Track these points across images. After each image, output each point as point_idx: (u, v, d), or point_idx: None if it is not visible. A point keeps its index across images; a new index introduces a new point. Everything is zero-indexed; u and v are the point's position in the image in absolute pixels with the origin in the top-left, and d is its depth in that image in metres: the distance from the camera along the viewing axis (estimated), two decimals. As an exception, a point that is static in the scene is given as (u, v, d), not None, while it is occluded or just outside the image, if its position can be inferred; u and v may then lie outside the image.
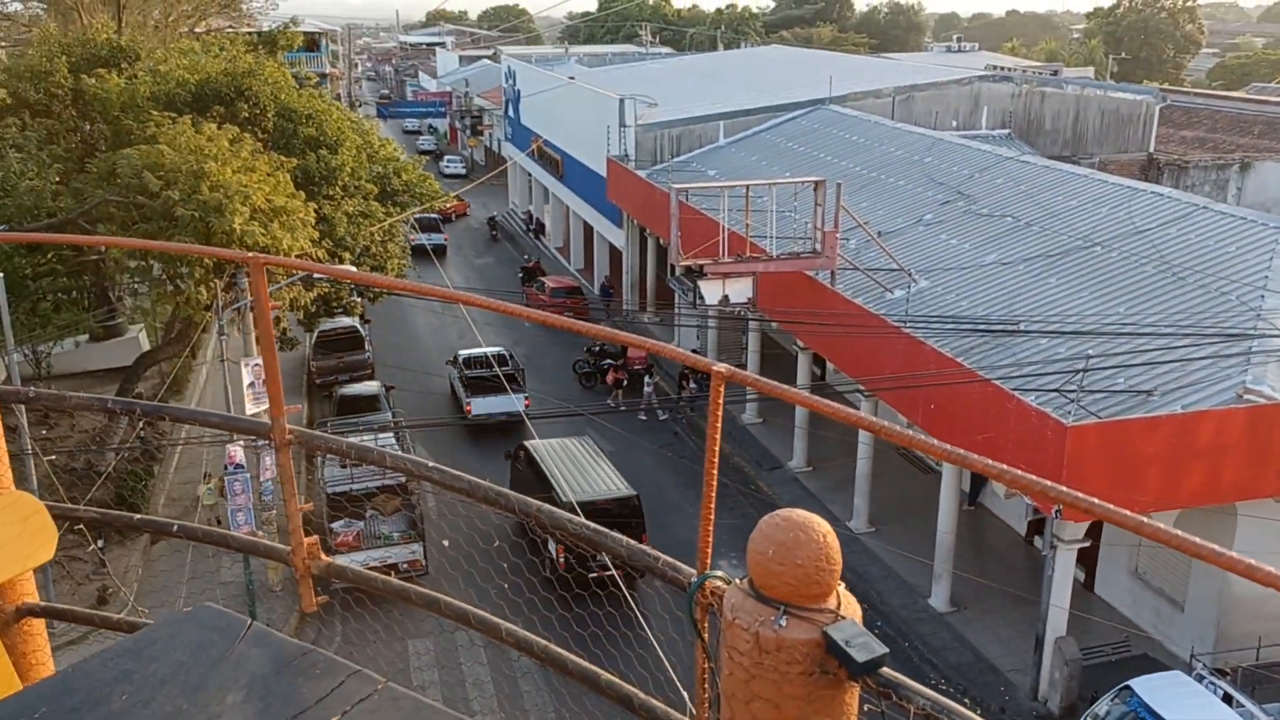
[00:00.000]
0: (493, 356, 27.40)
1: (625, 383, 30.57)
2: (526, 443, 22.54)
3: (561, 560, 18.74)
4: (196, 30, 37.59)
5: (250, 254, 3.01)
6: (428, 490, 22.99)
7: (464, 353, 29.78)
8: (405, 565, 20.23)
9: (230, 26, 39.49)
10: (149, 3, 36.11)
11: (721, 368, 2.09)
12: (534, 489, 20.66)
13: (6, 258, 20.96)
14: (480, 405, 27.77)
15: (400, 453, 3.03)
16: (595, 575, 16.42)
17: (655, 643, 9.98)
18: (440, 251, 44.71)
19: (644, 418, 29.06)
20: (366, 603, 16.39)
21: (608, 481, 20.83)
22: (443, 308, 35.24)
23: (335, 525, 20.44)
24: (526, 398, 27.33)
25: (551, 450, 22.10)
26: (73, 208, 20.61)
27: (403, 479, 21.42)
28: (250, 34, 37.18)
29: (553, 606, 10.13)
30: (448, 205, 53.37)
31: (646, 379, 29.84)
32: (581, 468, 21.39)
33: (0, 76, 23.41)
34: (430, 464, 2.84)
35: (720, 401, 2.07)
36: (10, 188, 19.65)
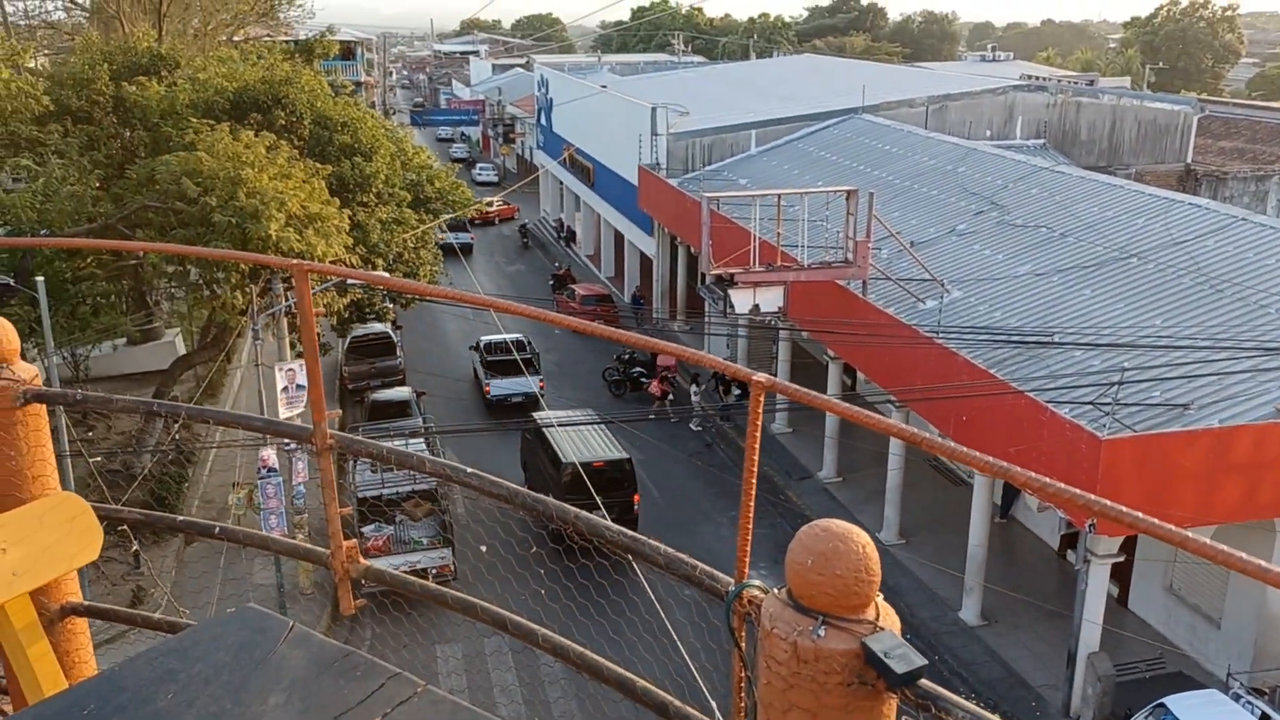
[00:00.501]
0: (511, 342, 29.71)
1: (671, 395, 30.69)
2: (535, 414, 24.88)
3: None
4: (235, 39, 38.12)
5: (295, 261, 3.06)
6: (457, 495, 23.15)
7: (485, 338, 31.93)
8: (434, 570, 20.32)
9: (268, 35, 40.02)
10: (189, 12, 36.63)
11: (762, 378, 2.10)
12: (540, 453, 23.39)
13: (47, 262, 21.31)
14: (498, 386, 30.38)
15: (438, 458, 3.06)
16: None
17: (647, 584, 11.11)
18: (466, 250, 45.70)
19: (696, 427, 29.17)
20: (403, 606, 16.50)
21: (605, 446, 22.87)
22: (473, 314, 35.52)
23: (365, 530, 20.59)
24: (541, 379, 29.71)
25: (556, 419, 24.32)
26: (112, 213, 20.92)
27: (433, 484, 21.56)
28: (287, 42, 37.63)
29: (587, 612, 10.18)
30: (491, 208, 54.68)
31: (693, 388, 29.91)
32: (582, 434, 23.44)
33: (44, 84, 23.81)
34: (468, 470, 2.87)
35: (760, 411, 2.08)
36: (52, 193, 19.96)
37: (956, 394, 17.76)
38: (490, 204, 55.71)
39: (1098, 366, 17.15)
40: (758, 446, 2.11)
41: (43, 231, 19.19)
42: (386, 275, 23.74)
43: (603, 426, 24.19)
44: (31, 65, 25.94)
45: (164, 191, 19.56)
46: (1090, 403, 16.01)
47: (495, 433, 28.96)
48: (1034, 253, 22.16)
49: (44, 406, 3.53)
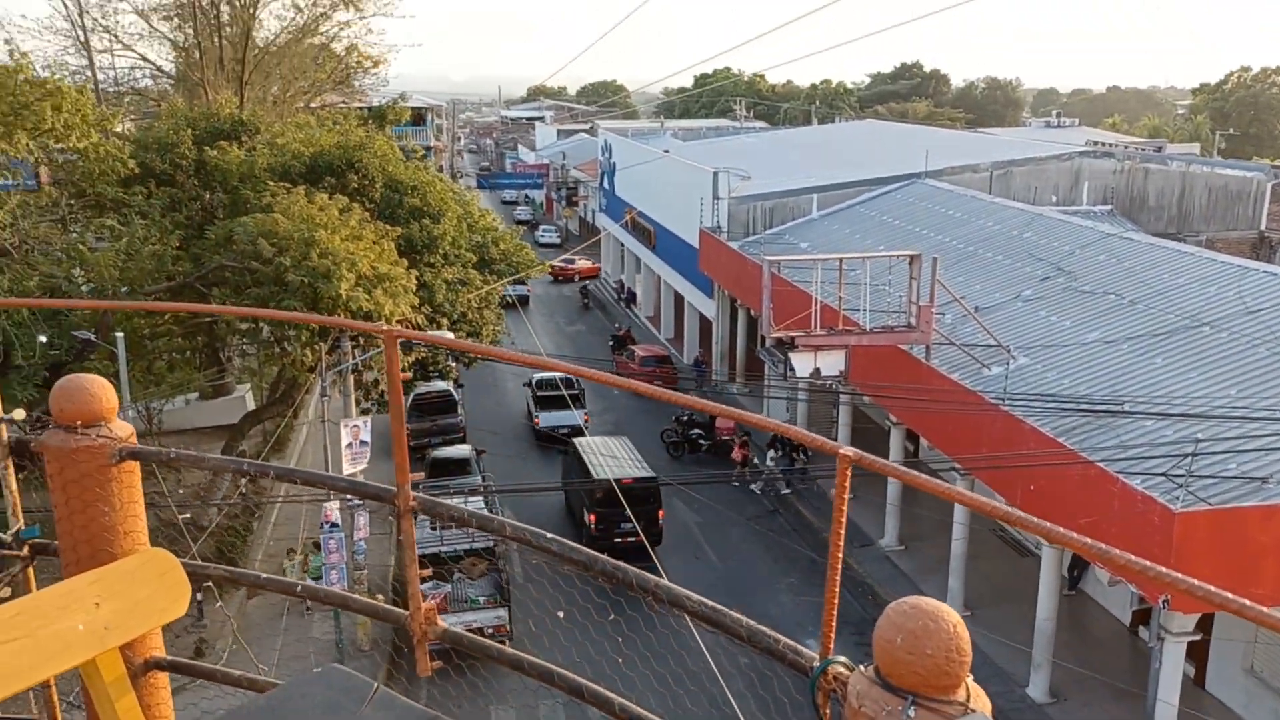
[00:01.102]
0: (560, 379, 32.22)
1: (754, 460, 30.47)
2: (575, 439, 27.47)
3: (594, 528, 24.06)
4: (312, 105, 39.48)
5: (385, 327, 3.15)
6: (514, 554, 23.17)
7: (537, 375, 34.50)
8: (490, 630, 20.27)
9: (343, 102, 41.38)
10: (269, 80, 38.07)
11: (849, 451, 2.11)
12: (578, 473, 25.90)
13: (126, 318, 22.00)
14: (547, 419, 32.89)
15: (514, 521, 3.11)
16: (620, 542, 22.54)
17: (705, 648, 11.98)
18: (524, 302, 47.73)
19: (757, 489, 29.05)
20: (460, 667, 16.46)
21: (634, 467, 25.30)
22: (533, 370, 36.03)
23: (423, 588, 20.64)
24: (586, 413, 32.24)
25: (593, 444, 26.88)
26: (191, 272, 21.61)
27: (491, 542, 21.61)
28: (362, 109, 38.87)
29: (661, 679, 10.08)
30: (573, 264, 56.41)
31: (770, 452, 29.68)
32: (615, 456, 25.79)
33: (130, 147, 24.82)
34: (548, 535, 2.90)
35: (846, 485, 2.09)
36: (134, 252, 20.69)
37: (1024, 463, 17.42)
38: (572, 260, 56.98)
39: (1170, 437, 16.71)
40: (844, 520, 2.11)
41: (124, 290, 19.86)
42: (448, 334, 24.17)
43: (632, 448, 26.70)
44: (119, 129, 27.08)
45: (241, 252, 20.16)
46: (1163, 474, 15.59)
47: (540, 456, 31.79)
48: (1102, 320, 21.80)
49: (138, 463, 3.65)
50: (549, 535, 2.88)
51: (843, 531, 2.13)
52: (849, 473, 2.09)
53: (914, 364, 21.79)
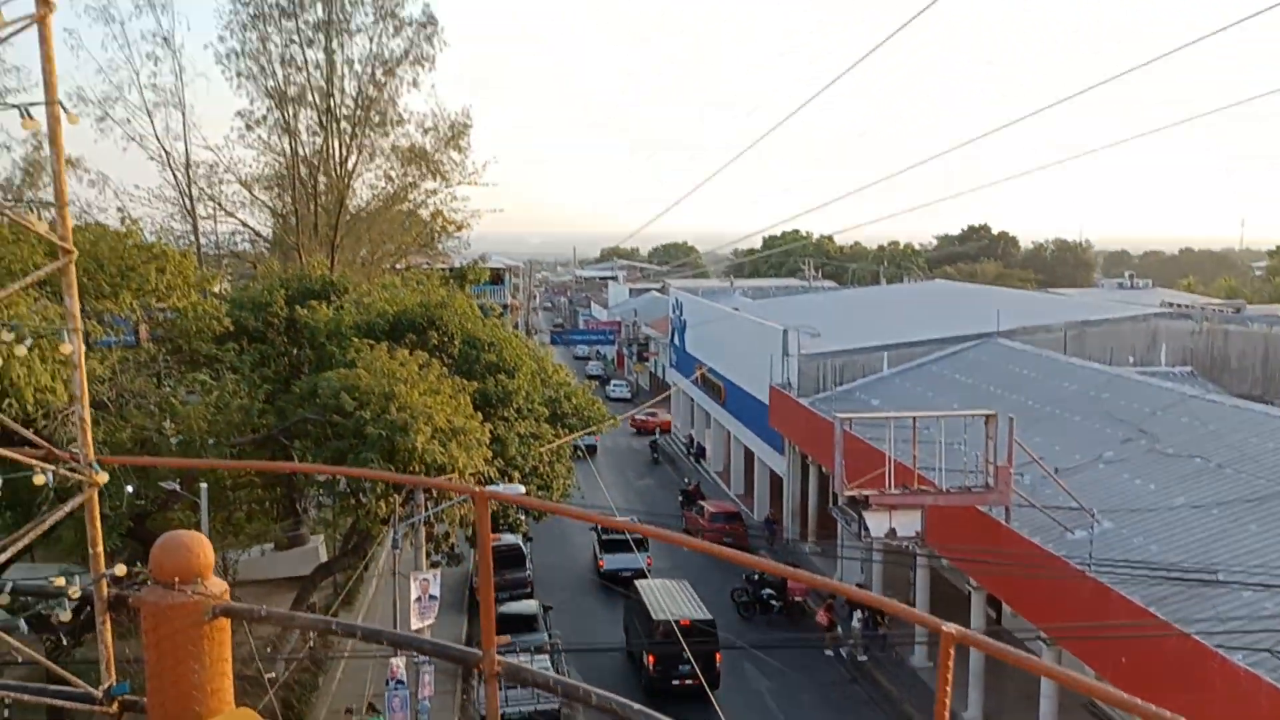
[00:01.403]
0: None
1: (838, 626, 29.53)
2: (636, 581, 28.88)
3: (653, 669, 24.83)
4: (398, 266, 41.19)
5: (476, 488, 3.22)
6: (579, 717, 22.51)
7: None
8: None
9: (427, 262, 43.09)
10: (359, 243, 39.96)
11: (951, 628, 2.08)
12: (638, 614, 27.07)
13: (210, 468, 22.55)
14: (611, 561, 34.36)
15: (599, 690, 3.08)
16: (678, 684, 23.69)
17: None
18: (591, 451, 47.63)
19: (844, 653, 28.16)
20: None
21: (692, 609, 26.19)
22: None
23: (487, 751, 20.09)
24: (648, 557, 33.60)
25: (653, 586, 28.12)
26: (275, 424, 22.20)
27: (556, 705, 21.08)
28: (444, 270, 40.41)
29: None
30: (654, 417, 57.53)
31: (856, 614, 28.77)
32: (674, 598, 26.81)
33: (226, 306, 26.01)
34: (635, 706, 2.86)
35: (950, 664, 2.05)
36: (223, 405, 21.39)
37: (1114, 633, 16.60)
38: (654, 413, 57.95)
39: (1271, 609, 15.85)
40: (948, 701, 2.06)
41: (210, 441, 20.44)
42: (521, 488, 24.26)
43: (691, 591, 27.54)
44: (216, 289, 28.49)
45: (324, 405, 20.71)
46: (1267, 650, 14.72)
47: (604, 598, 32.55)
48: (1189, 484, 21.10)
49: (229, 621, 3.72)
50: (635, 706, 2.84)
51: (946, 715, 2.08)
52: (952, 651, 2.05)
53: (993, 526, 21.20)
